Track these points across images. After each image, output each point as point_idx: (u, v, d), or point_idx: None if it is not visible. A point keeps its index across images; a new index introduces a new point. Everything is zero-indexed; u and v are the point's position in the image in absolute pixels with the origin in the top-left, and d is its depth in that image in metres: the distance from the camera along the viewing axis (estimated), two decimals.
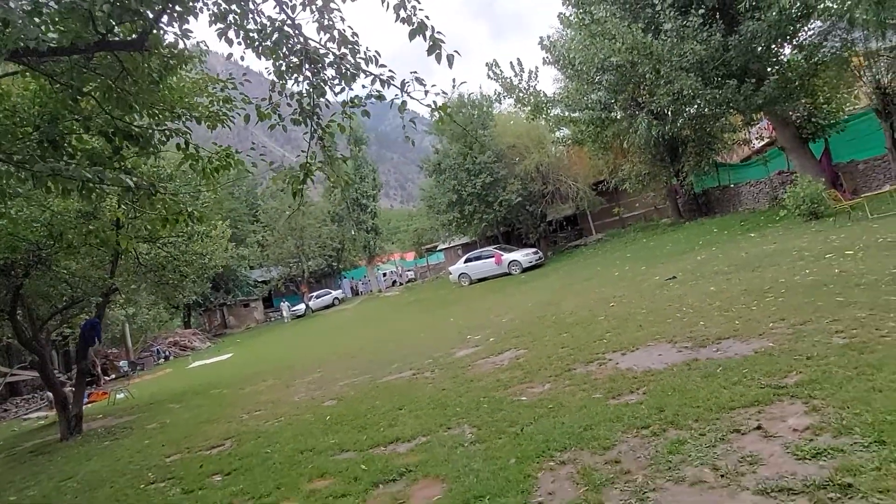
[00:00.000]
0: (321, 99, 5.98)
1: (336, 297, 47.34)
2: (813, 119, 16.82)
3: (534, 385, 6.92)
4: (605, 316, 10.29)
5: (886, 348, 4.85)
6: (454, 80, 5.62)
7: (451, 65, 5.32)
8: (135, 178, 5.82)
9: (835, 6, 15.09)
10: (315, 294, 47.23)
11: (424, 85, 5.53)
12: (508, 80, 21.76)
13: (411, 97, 5.71)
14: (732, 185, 23.68)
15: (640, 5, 16.74)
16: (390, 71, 5.71)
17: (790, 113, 17.03)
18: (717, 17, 15.98)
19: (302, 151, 6.24)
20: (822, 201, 14.15)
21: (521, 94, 21.65)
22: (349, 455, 6.06)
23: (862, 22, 14.26)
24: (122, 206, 7.28)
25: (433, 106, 5.69)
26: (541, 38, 20.77)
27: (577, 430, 4.92)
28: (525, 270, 26.39)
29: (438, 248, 43.56)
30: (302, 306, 45.60)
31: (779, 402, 4.38)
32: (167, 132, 6.29)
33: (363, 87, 5.91)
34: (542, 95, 21.26)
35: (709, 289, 10.15)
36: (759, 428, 4.08)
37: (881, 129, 15.01)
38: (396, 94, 5.77)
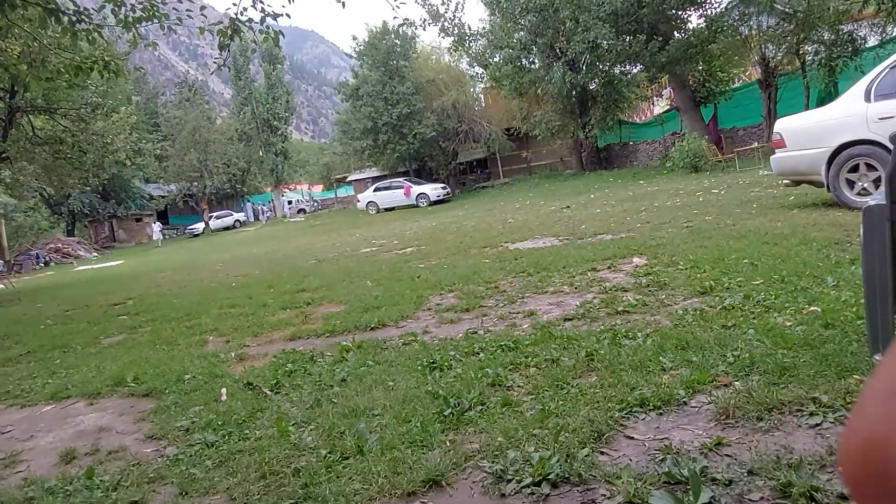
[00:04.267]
0: None
1: (238, 220, 46.08)
2: (707, 84, 18.44)
3: (432, 260, 7.66)
4: (502, 227, 11.21)
5: (718, 230, 5.94)
6: None
7: None
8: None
9: None
10: (216, 214, 45.68)
11: None
12: (435, 8, 21.93)
13: None
14: (632, 143, 25.41)
15: None
16: None
17: (688, 76, 18.54)
18: None
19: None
20: (704, 156, 15.76)
21: (446, 24, 21.92)
22: (257, 297, 6.56)
23: (758, 1, 15.74)
24: (35, 41, 7.08)
25: None
26: None
27: (466, 275, 5.71)
28: (433, 204, 27.09)
29: (349, 180, 43.34)
30: (200, 225, 44.09)
31: (629, 257, 5.34)
32: None
33: None
34: (466, 28, 21.67)
35: (595, 212, 11.29)
36: (610, 267, 5.01)
37: (761, 98, 16.77)
38: None
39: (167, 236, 48.16)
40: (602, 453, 1.79)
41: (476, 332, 3.60)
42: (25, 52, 7.70)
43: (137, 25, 6.85)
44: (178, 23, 6.93)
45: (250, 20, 6.06)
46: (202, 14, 6.45)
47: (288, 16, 5.99)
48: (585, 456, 1.73)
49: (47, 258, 35.36)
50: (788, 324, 2.61)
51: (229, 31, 6.31)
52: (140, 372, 3.82)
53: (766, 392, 1.92)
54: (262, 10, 5.94)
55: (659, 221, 7.70)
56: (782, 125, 6.61)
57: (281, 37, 6.03)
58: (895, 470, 0.23)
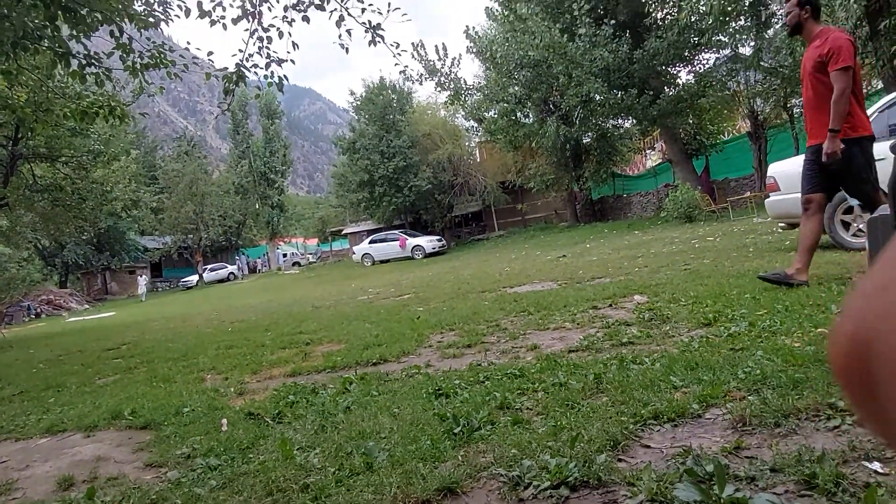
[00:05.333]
0: (264, 5, 6.37)
1: (232, 272, 45.95)
2: (698, 137, 18.92)
3: (430, 304, 7.65)
4: (499, 274, 11.23)
5: (717, 271, 5.99)
6: (389, 4, 6.21)
7: None
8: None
9: (725, 39, 17.15)
10: (210, 266, 45.60)
11: (362, 1, 6.10)
12: (432, 63, 22.60)
13: (349, 14, 6.26)
14: (626, 195, 25.81)
15: (560, 9, 18.16)
16: None
17: (679, 129, 19.03)
18: (626, 32, 17.64)
19: (232, 58, 6.55)
20: (697, 206, 16.02)
21: (442, 79, 22.57)
22: (254, 339, 6.50)
23: (744, 58, 16.36)
24: (42, 88, 7.23)
25: (368, 24, 6.25)
26: (466, 27, 21.86)
27: (466, 315, 5.69)
28: (428, 256, 27.18)
29: (344, 232, 43.58)
30: (193, 277, 43.96)
31: (630, 296, 5.35)
32: (100, 15, 6.38)
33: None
34: (462, 82, 22.30)
35: (591, 259, 11.37)
36: (611, 305, 5.02)
37: (752, 150, 17.20)
38: (335, 9, 6.27)
39: (160, 289, 47.97)
40: (620, 460, 1.76)
41: (480, 364, 3.57)
42: (31, 99, 7.86)
43: (144, 72, 7.05)
44: (185, 69, 7.13)
45: (255, 65, 6.24)
46: (209, 59, 6.64)
47: (292, 62, 6.18)
48: (603, 461, 1.70)
49: (38, 310, 35.07)
50: (797, 344, 2.61)
51: (234, 77, 6.47)
52: (137, 406, 3.75)
53: (782, 400, 1.90)
54: (268, 56, 6.13)
55: (657, 265, 7.75)
56: (776, 169, 6.76)
57: (285, 81, 6.20)
58: (876, 363, 0.24)
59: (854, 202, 5.01)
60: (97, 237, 41.87)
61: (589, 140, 22.80)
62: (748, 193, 15.77)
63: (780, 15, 14.65)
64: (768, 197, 6.81)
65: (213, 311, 13.97)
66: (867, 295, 0.26)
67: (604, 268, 8.88)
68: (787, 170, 6.68)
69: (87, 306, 38.13)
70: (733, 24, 14.90)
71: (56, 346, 10.33)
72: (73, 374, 5.89)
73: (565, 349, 3.64)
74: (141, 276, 40.44)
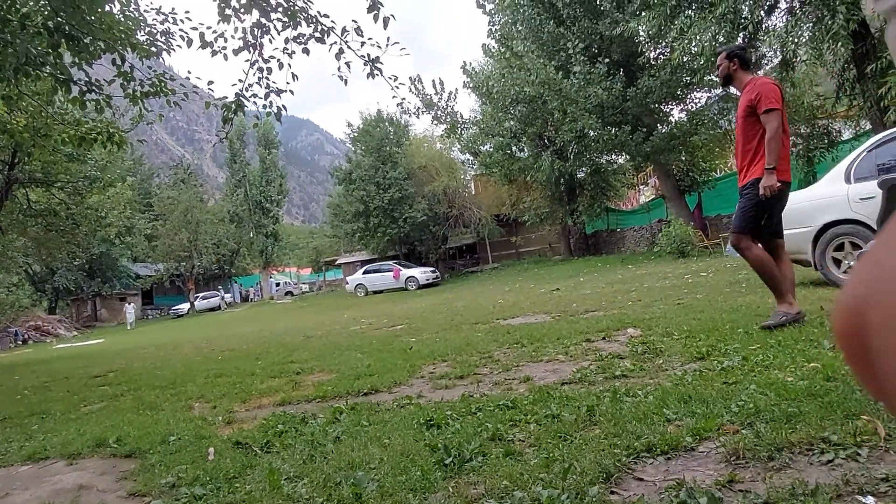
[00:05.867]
0: (265, 38, 6.47)
1: (224, 301, 45.71)
2: (690, 174, 19.15)
3: (423, 334, 7.60)
4: (493, 306, 11.20)
5: (710, 306, 5.99)
6: (388, 38, 6.32)
7: (385, 26, 6.05)
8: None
9: (716, 79, 17.50)
10: (202, 295, 45.34)
11: (362, 35, 6.21)
12: (429, 97, 22.92)
13: (349, 47, 6.36)
14: (619, 229, 25.97)
15: (555, 48, 18.53)
16: (332, 21, 6.36)
17: (672, 166, 19.27)
18: (620, 70, 17.99)
19: (234, 83, 6.63)
20: (690, 241, 16.12)
21: (439, 112, 22.88)
22: (244, 368, 6.42)
23: (735, 98, 16.67)
24: (42, 113, 7.27)
25: (367, 58, 6.35)
26: (464, 62, 22.26)
27: (459, 346, 5.66)
28: (422, 287, 27.14)
29: (338, 263, 43.54)
30: (185, 305, 43.65)
31: (623, 329, 5.35)
32: (102, 44, 6.46)
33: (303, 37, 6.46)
34: (458, 116, 22.61)
35: (585, 292, 11.37)
36: (604, 338, 5.00)
37: None
38: (334, 42, 6.38)
39: (150, 316, 47.57)
40: (612, 493, 1.74)
41: (472, 395, 3.53)
42: (30, 124, 7.90)
43: (144, 100, 7.11)
44: (185, 98, 7.19)
45: (255, 95, 6.31)
46: (209, 89, 6.71)
47: (291, 92, 6.26)
48: (596, 494, 1.67)
49: (26, 336, 34.66)
50: (790, 379, 2.60)
51: (233, 106, 6.54)
52: (123, 434, 3.68)
53: (775, 434, 1.89)
54: (267, 86, 6.20)
55: (650, 300, 7.76)
56: None
57: (283, 111, 6.26)
58: (871, 330, 0.26)
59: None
60: (89, 263, 41.67)
61: (583, 175, 23.04)
62: None
63: (770, 57, 15.02)
64: None
65: (204, 340, 13.83)
66: (863, 268, 0.28)
67: (597, 301, 8.88)
68: None
69: (75, 333, 37.69)
70: None
71: (42, 372, 10.17)
72: (59, 401, 5.80)
73: (558, 381, 3.61)
74: (130, 303, 39.99)
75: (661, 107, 18.81)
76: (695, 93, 19.52)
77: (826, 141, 13.84)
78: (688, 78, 17.37)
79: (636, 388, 3.01)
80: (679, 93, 18.34)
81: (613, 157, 21.84)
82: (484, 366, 4.60)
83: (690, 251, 16.19)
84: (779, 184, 4.10)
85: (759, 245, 4.39)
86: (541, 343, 5.22)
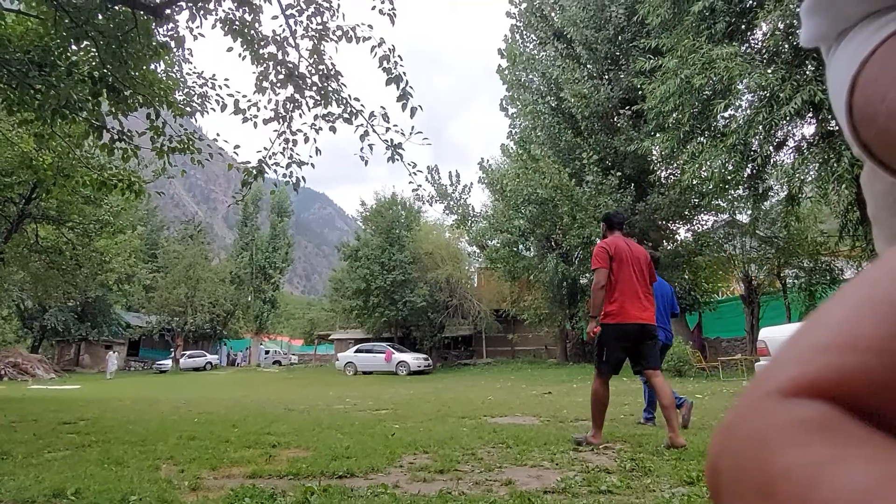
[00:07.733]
0: (296, 112, 6.75)
1: (209, 362, 44.81)
2: (692, 293, 19.23)
3: (407, 422, 7.39)
4: (482, 402, 10.95)
5: (704, 429, 5.85)
6: (412, 127, 6.58)
7: (412, 115, 6.31)
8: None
9: (724, 205, 17.98)
10: (188, 353, 44.54)
11: (388, 121, 6.47)
12: (444, 187, 23.55)
13: (374, 130, 6.62)
14: None
15: (571, 156, 19.22)
16: (361, 104, 6.64)
17: (674, 283, 19.38)
18: (631, 184, 18.53)
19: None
20: (688, 361, 15.94)
21: (451, 203, 23.41)
22: (219, 433, 6.21)
23: (741, 225, 17.07)
24: (69, 154, 7.48)
25: (390, 143, 6.59)
26: (481, 158, 23.10)
27: (442, 439, 5.48)
28: (412, 373, 26.70)
29: (331, 338, 43.09)
30: (168, 361, 42.79)
31: (612, 442, 5.20)
32: (141, 98, 6.74)
33: (334, 115, 6.74)
34: (470, 209, 23.13)
35: (577, 399, 11.14)
36: (593, 450, 4.85)
37: (744, 313, 17.41)
38: (361, 124, 6.64)
39: (133, 368, 46.56)
40: None
41: (450, 492, 3.39)
42: (55, 163, 8.11)
43: (170, 154, 7.33)
44: (209, 158, 7.41)
45: (277, 164, 6.50)
46: (235, 152, 6.92)
47: (312, 165, 6.44)
48: None
49: (2, 371, 33.86)
50: None
51: (254, 171, 6.72)
52: (83, 486, 3.51)
53: None
54: (291, 157, 6.40)
55: (643, 415, 7.57)
56: (767, 334, 6.83)
57: (302, 182, 6.42)
58: (721, 489, 0.26)
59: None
60: (83, 306, 41.38)
61: (586, 281, 23.19)
62: (739, 355, 15.77)
63: (776, 190, 15.47)
64: (759, 361, 6.81)
65: (183, 400, 13.46)
66: (719, 430, 0.28)
67: (588, 410, 8.67)
68: (779, 336, 6.74)
69: (53, 375, 36.75)
70: (732, 192, 15.69)
71: (11, 411, 9.85)
72: (22, 444, 5.58)
73: (541, 489, 3.47)
74: (114, 351, 39.28)
75: (668, 224, 19.21)
76: (702, 214, 19.98)
77: (828, 277, 13.99)
78: (696, 200, 17.85)
79: None
80: (686, 213, 18.78)
81: None
82: (466, 462, 4.43)
83: (688, 371, 15.97)
84: (598, 328, 5.12)
85: (606, 384, 5.41)
86: (527, 446, 5.06)
